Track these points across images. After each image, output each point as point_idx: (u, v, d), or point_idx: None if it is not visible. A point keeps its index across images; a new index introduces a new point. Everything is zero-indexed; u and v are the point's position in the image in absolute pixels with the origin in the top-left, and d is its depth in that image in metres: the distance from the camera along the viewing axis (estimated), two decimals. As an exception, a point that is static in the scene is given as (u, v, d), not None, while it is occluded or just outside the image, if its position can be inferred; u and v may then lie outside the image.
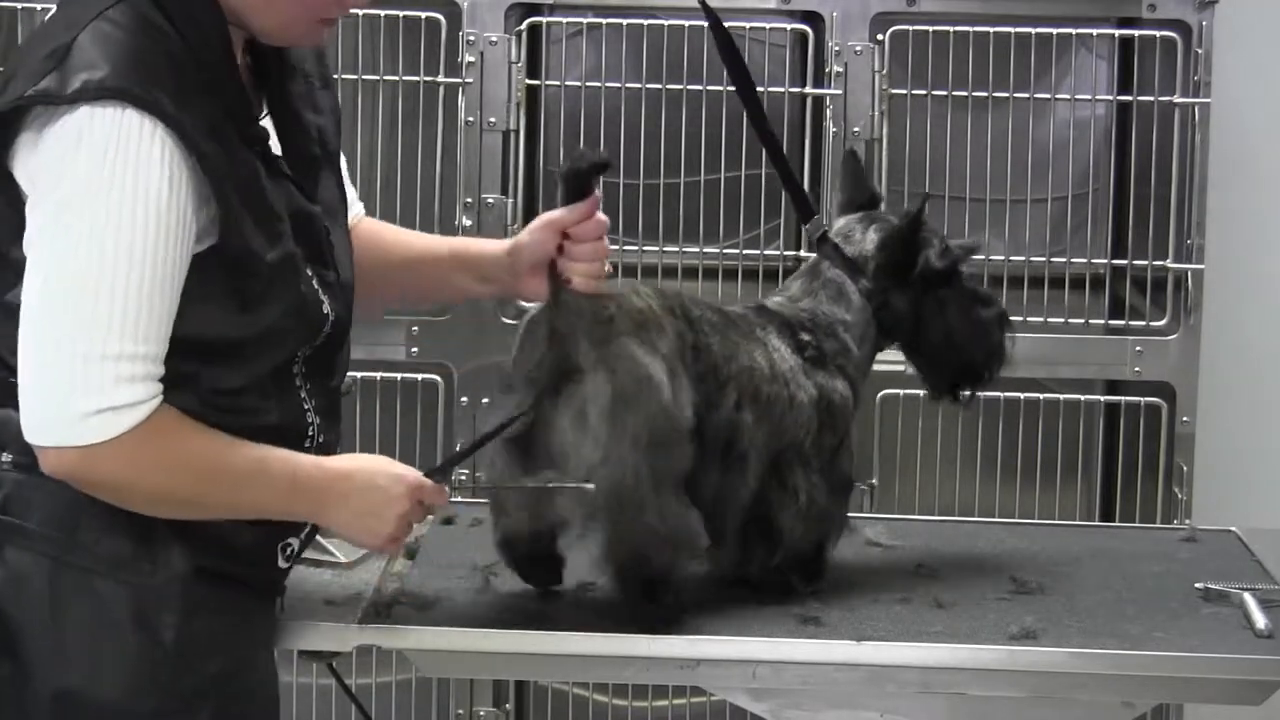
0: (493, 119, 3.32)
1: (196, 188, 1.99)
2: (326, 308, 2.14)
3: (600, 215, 2.29)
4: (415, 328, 3.33)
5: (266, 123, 2.14)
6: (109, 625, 2.06)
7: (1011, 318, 3.21)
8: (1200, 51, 3.30)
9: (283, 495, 2.10)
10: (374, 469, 2.16)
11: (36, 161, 1.98)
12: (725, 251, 3.37)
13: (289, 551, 2.19)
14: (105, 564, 2.06)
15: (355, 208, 2.37)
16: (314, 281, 2.13)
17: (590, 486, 2.21)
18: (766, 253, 3.34)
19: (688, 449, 2.27)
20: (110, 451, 1.98)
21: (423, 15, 3.28)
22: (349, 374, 2.30)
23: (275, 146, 2.14)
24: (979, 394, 2.55)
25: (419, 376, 3.33)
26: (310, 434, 2.16)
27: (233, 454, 2.06)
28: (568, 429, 2.24)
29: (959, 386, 2.54)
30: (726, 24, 3.02)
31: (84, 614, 2.05)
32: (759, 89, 3.24)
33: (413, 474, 2.17)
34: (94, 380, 1.95)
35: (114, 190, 1.94)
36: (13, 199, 2.00)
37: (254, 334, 2.06)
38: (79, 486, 2.02)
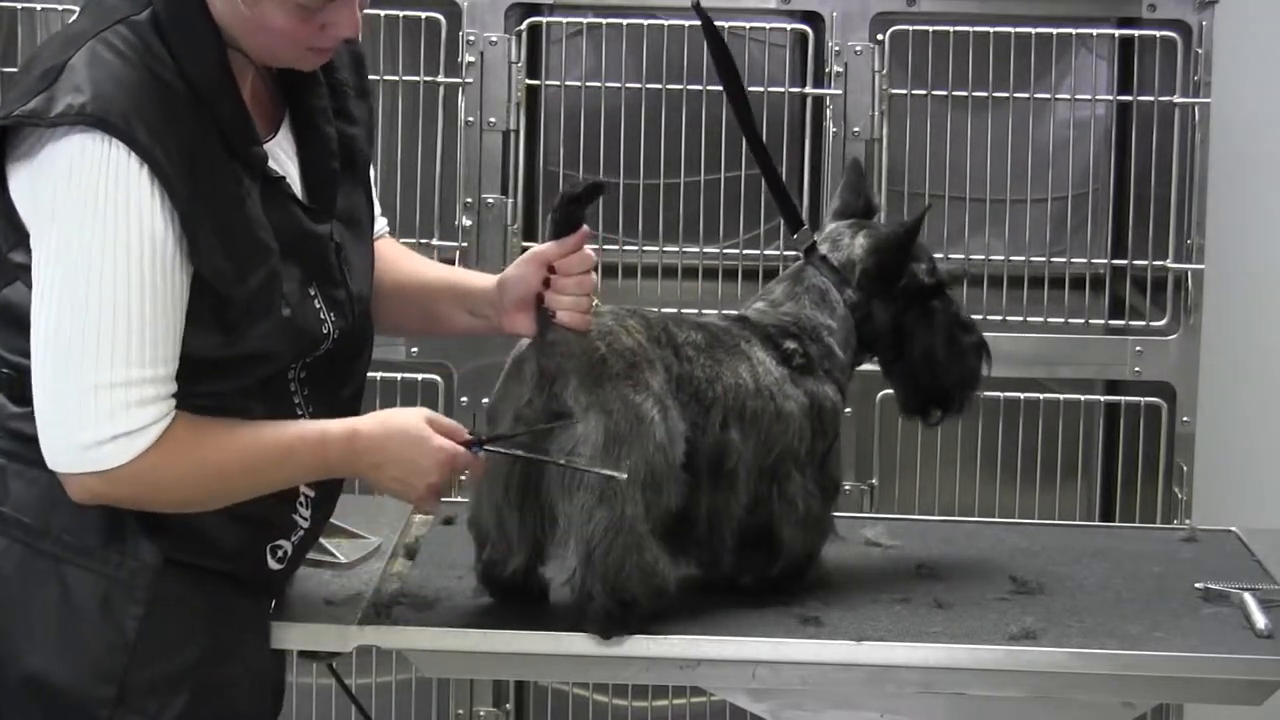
0: (493, 119, 3.32)
1: (172, 213, 2.00)
2: (328, 327, 2.15)
3: (587, 249, 2.26)
4: (415, 328, 3.33)
5: (278, 142, 2.14)
6: (75, 613, 2.08)
7: (1011, 318, 3.27)
8: (1200, 51, 3.30)
9: (313, 470, 2.14)
10: (409, 440, 2.15)
11: (30, 187, 2.01)
12: (725, 251, 3.37)
13: (280, 554, 2.19)
14: (74, 552, 2.08)
15: (378, 224, 2.37)
16: (316, 301, 2.14)
17: (622, 476, 2.19)
18: (766, 253, 3.34)
19: (678, 486, 2.27)
20: (129, 473, 2.02)
21: (423, 15, 3.28)
22: None
23: (288, 164, 2.14)
24: (949, 416, 2.54)
25: (419, 376, 3.33)
26: None
27: (254, 446, 2.09)
28: (561, 471, 2.23)
29: (930, 407, 2.53)
30: (726, 23, 3.03)
31: (51, 600, 2.08)
32: (759, 89, 3.28)
33: (448, 447, 2.16)
34: (104, 408, 1.99)
35: (105, 221, 1.97)
36: (9, 211, 2.03)
37: (235, 354, 2.07)
38: (109, 504, 2.06)
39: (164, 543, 2.10)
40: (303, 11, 2.04)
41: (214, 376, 2.06)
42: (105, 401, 1.99)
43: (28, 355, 2.06)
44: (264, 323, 2.08)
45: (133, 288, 1.98)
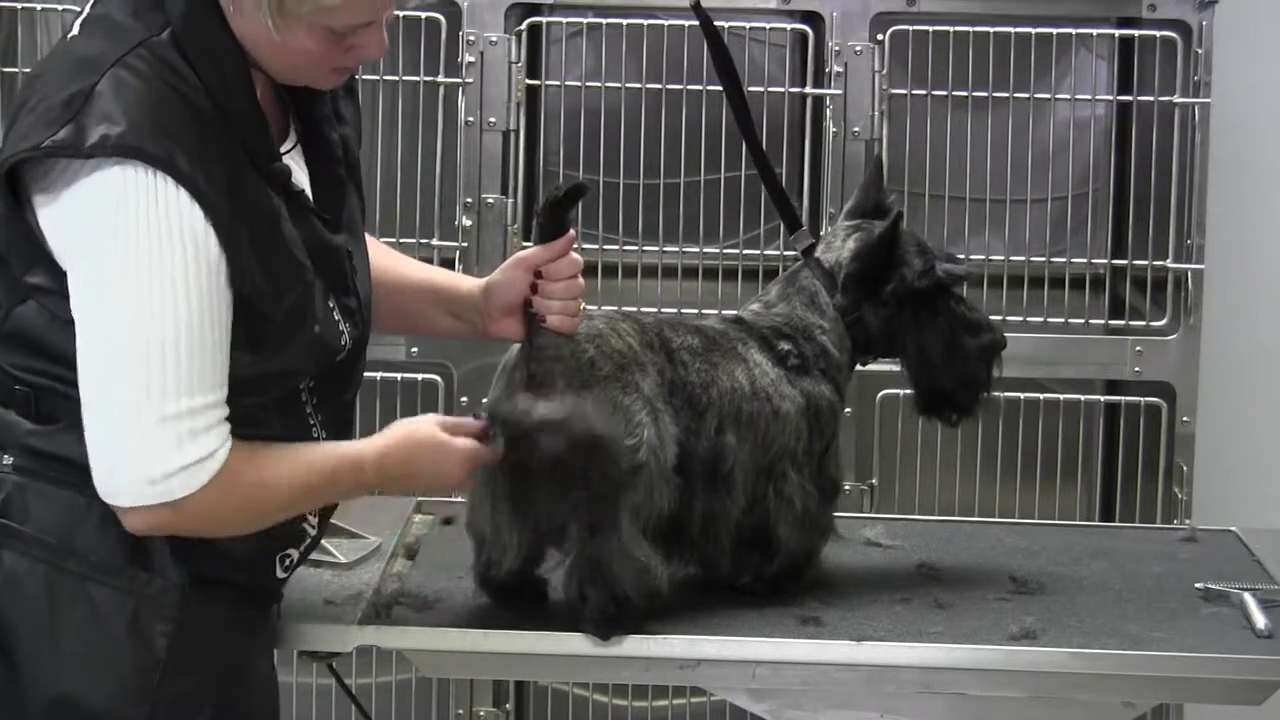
0: (493, 119, 3.32)
1: (216, 237, 1.98)
2: (345, 337, 2.15)
3: (574, 254, 2.26)
4: (415, 328, 3.33)
5: (292, 156, 2.13)
6: (103, 632, 2.06)
7: (1011, 318, 3.27)
8: (1200, 51, 3.30)
9: (351, 491, 2.18)
10: (434, 449, 2.17)
11: (61, 219, 1.98)
12: (725, 251, 3.37)
13: (288, 562, 2.19)
14: (100, 571, 2.06)
15: None
16: (335, 313, 2.13)
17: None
18: (766, 253, 3.34)
19: (669, 489, 2.27)
20: (194, 502, 2.00)
21: (423, 15, 3.27)
22: None
23: (302, 177, 2.13)
24: (966, 416, 2.51)
25: (419, 377, 3.33)
26: None
27: (304, 472, 2.09)
28: (551, 473, 2.23)
29: (944, 409, 2.51)
30: (726, 23, 3.03)
31: (78, 620, 2.06)
32: (759, 89, 3.28)
33: (468, 446, 2.19)
34: (170, 440, 1.97)
35: (161, 252, 1.94)
36: (29, 233, 2.00)
37: (262, 373, 2.06)
38: (165, 534, 2.05)
39: (187, 558, 2.08)
40: (333, 35, 2.02)
41: (240, 395, 2.04)
42: (172, 432, 1.97)
43: (42, 374, 2.05)
44: (296, 340, 2.07)
45: (193, 316, 1.96)
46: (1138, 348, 3.34)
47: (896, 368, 2.52)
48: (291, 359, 2.08)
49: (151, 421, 1.96)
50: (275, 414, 2.11)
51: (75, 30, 2.06)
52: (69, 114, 1.95)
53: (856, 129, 3.31)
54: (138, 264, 1.94)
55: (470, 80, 3.30)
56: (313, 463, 2.11)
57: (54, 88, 1.99)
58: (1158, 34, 3.30)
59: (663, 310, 3.23)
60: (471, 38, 3.31)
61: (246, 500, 2.05)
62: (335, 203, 2.16)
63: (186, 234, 1.95)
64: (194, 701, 2.10)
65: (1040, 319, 3.32)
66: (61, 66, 2.02)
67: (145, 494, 1.99)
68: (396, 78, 3.31)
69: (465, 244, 3.32)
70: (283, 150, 2.11)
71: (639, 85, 3.32)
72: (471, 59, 3.31)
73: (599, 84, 3.34)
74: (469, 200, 3.33)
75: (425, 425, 2.19)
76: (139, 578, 2.07)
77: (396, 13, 3.20)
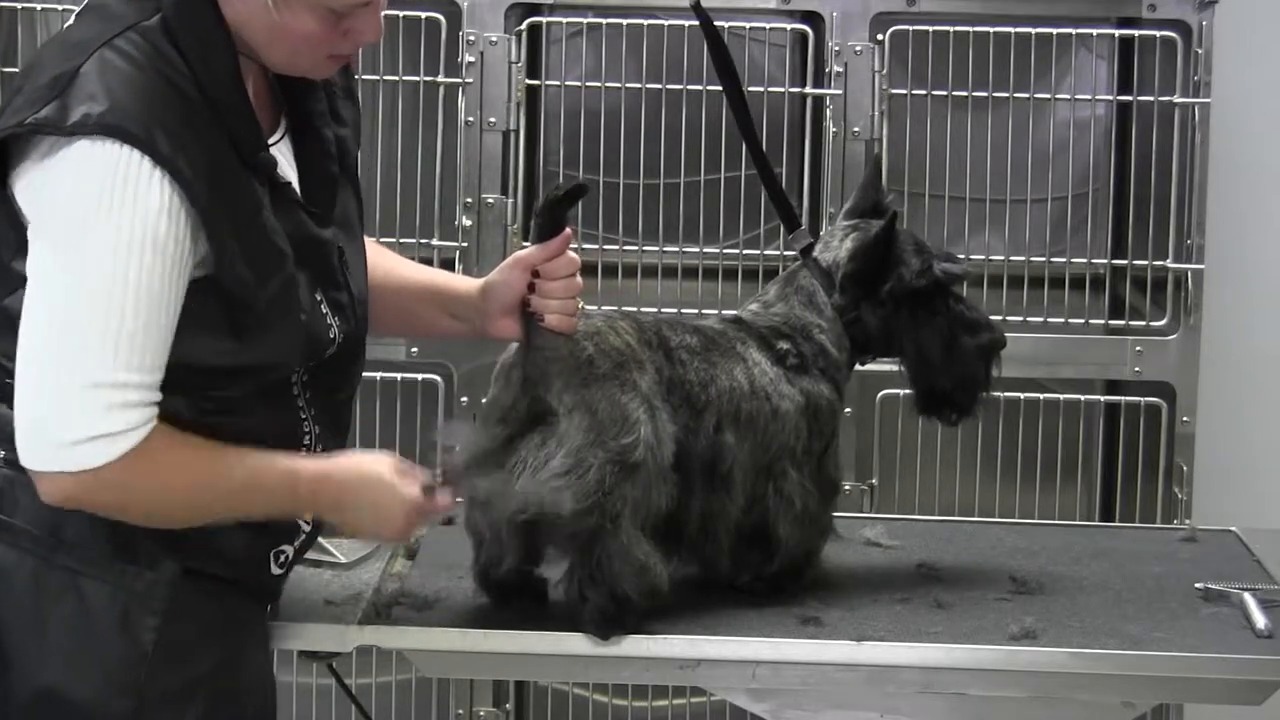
0: (493, 119, 3.32)
1: (191, 223, 1.99)
2: (334, 331, 2.15)
3: (571, 253, 2.26)
4: (415, 327, 3.33)
5: (280, 148, 2.13)
6: (91, 625, 2.06)
7: (1011, 318, 3.27)
8: (1200, 51, 3.30)
9: (282, 503, 2.13)
10: (376, 486, 2.16)
11: (37, 192, 1.99)
12: (725, 251, 3.37)
13: (282, 559, 2.19)
14: (89, 564, 2.07)
15: None
16: (323, 306, 2.13)
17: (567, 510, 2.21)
18: (766, 253, 3.34)
19: (667, 487, 2.27)
20: (103, 477, 1.99)
21: (423, 15, 3.28)
22: None
23: (288, 170, 2.13)
24: (965, 415, 2.51)
25: (419, 376, 3.33)
26: (306, 443, 2.17)
27: (227, 470, 2.06)
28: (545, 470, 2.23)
29: (944, 408, 2.50)
30: (726, 23, 3.03)
31: (67, 613, 2.06)
32: (759, 89, 3.29)
33: (413, 494, 2.17)
34: (88, 407, 1.97)
35: (109, 225, 1.95)
36: (13, 218, 2.01)
37: (246, 362, 2.06)
38: (78, 508, 2.03)
39: (177, 552, 2.08)
40: (332, 16, 2.03)
41: (224, 383, 2.05)
42: (92, 400, 1.96)
43: None
44: (279, 329, 2.07)
45: (134, 292, 1.96)
46: (1138, 348, 3.34)
47: (896, 367, 2.52)
48: (276, 348, 2.08)
49: (78, 385, 1.96)
50: (264, 405, 2.11)
51: (72, 20, 2.08)
52: (54, 93, 1.97)
53: (856, 129, 3.31)
54: (97, 233, 1.95)
55: (470, 80, 3.30)
56: (238, 463, 2.07)
57: (44, 70, 2.01)
58: (1158, 34, 3.30)
59: (662, 310, 3.24)
60: (471, 38, 3.31)
61: (161, 486, 2.02)
62: (325, 197, 2.16)
63: (152, 214, 1.95)
64: (182, 696, 2.10)
65: (1040, 319, 3.32)
66: (54, 53, 2.04)
67: (55, 459, 1.98)
68: (396, 78, 3.31)
69: (465, 244, 3.32)
70: (270, 142, 2.11)
71: (639, 85, 3.32)
72: (471, 59, 3.31)
73: (599, 84, 3.34)
74: (469, 200, 3.33)
75: (379, 463, 2.18)
76: (128, 571, 2.07)
77: (397, 13, 3.25)
